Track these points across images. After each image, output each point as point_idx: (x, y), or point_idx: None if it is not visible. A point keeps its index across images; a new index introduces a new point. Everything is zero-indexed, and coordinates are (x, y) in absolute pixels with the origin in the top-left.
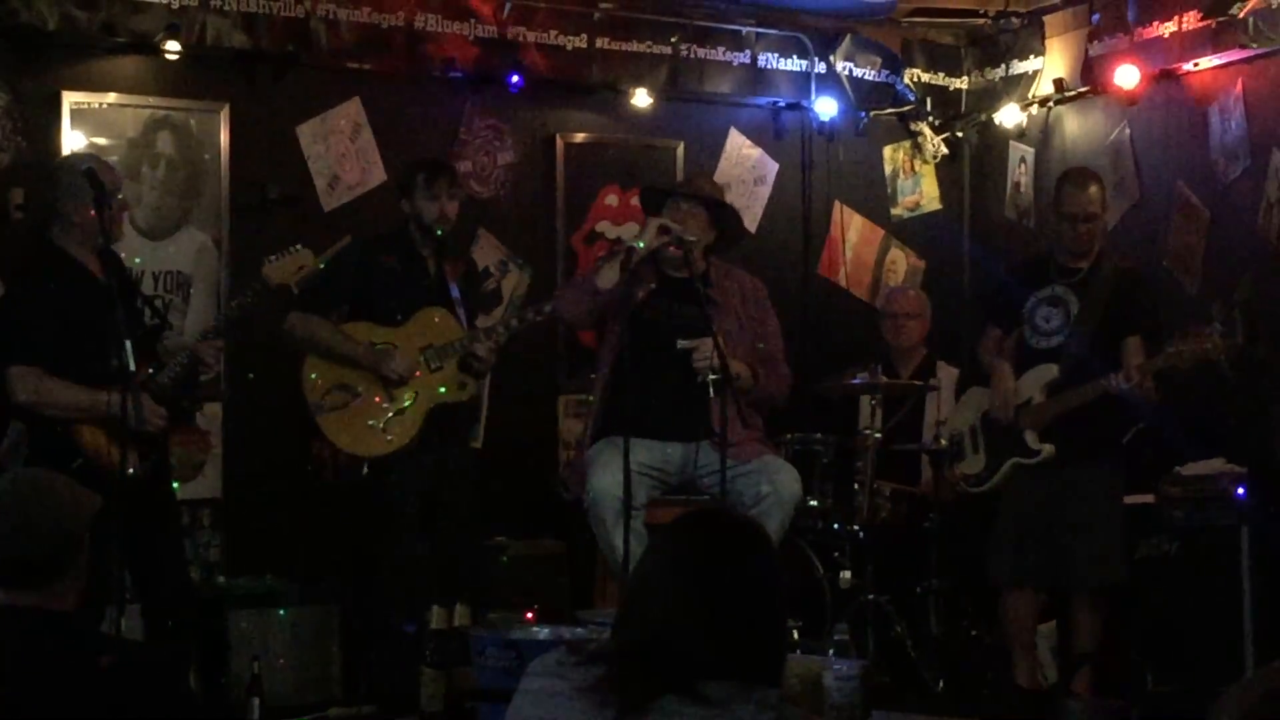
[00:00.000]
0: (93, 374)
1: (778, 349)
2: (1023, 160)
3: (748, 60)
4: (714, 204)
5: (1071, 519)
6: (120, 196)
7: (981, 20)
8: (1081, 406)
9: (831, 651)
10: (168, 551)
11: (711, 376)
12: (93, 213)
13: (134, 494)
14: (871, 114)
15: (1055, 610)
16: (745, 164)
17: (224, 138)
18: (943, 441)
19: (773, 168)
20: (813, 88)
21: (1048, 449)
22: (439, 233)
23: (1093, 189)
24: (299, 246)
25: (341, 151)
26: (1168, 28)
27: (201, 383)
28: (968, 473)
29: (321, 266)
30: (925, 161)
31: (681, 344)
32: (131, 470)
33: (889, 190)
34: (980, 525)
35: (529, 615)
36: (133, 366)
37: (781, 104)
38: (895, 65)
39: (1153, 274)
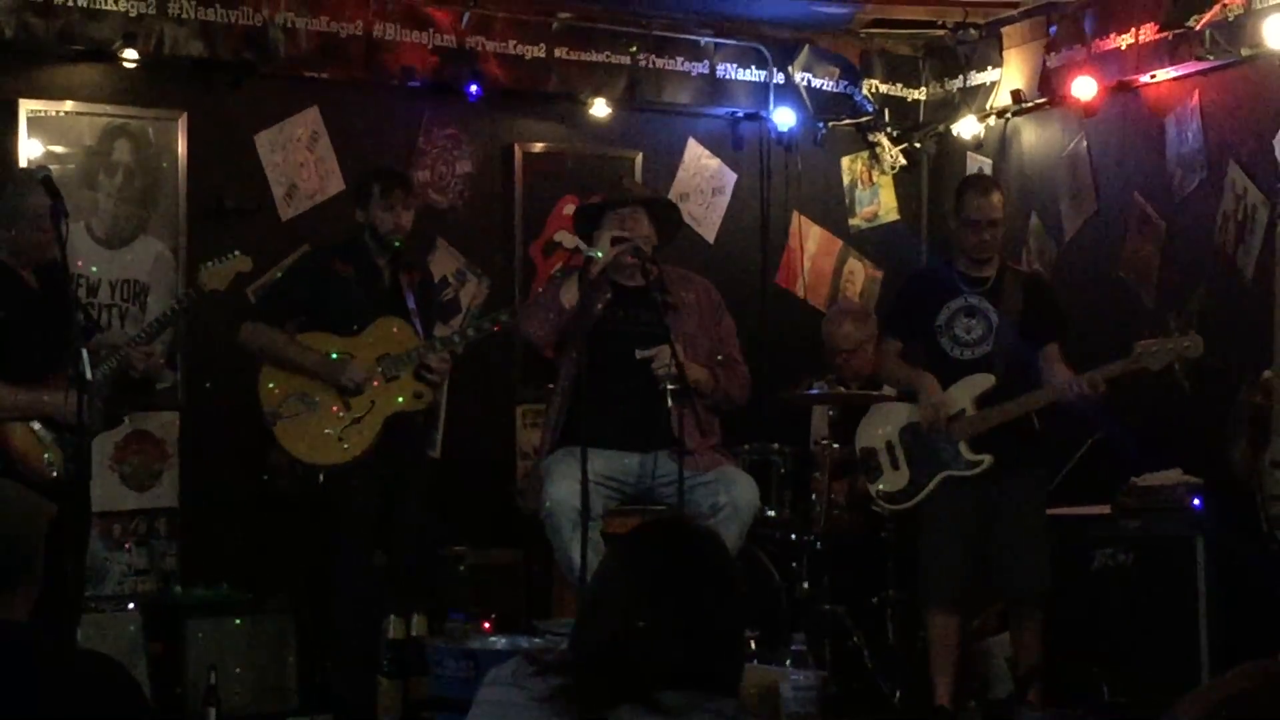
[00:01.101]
0: (25, 379)
1: (735, 349)
2: (980, 171)
3: (706, 70)
4: (650, 202)
5: (1005, 529)
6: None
7: (940, 31)
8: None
9: (789, 661)
10: (76, 556)
11: (669, 386)
12: (36, 220)
13: (57, 497)
14: (830, 125)
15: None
16: (704, 174)
17: (181, 146)
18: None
19: (731, 178)
20: (771, 98)
21: (987, 459)
22: (396, 244)
23: (995, 195)
24: (237, 252)
25: (299, 160)
26: (1125, 40)
27: (156, 391)
28: (887, 490)
29: (279, 276)
30: (883, 172)
31: (640, 354)
32: (56, 474)
33: (847, 201)
34: None
35: (486, 625)
36: (90, 375)
37: (740, 114)
38: (853, 76)
39: (1111, 285)
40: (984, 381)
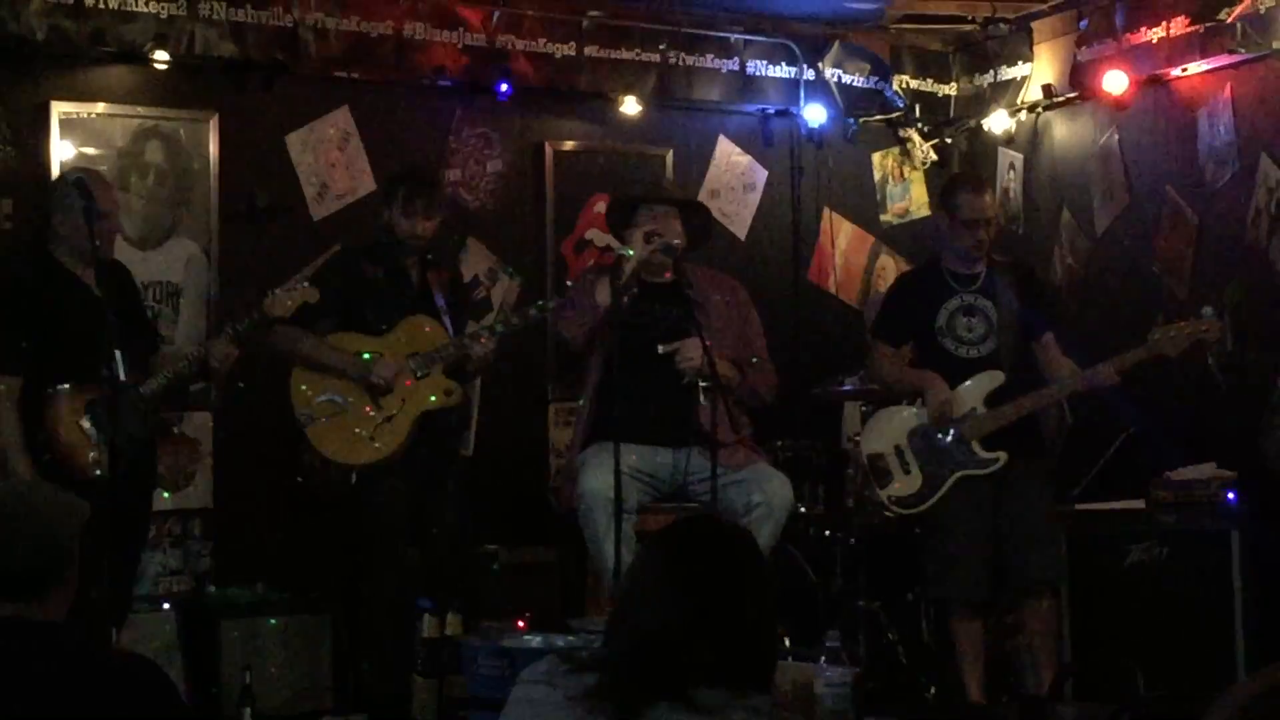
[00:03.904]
0: (73, 378)
1: (762, 346)
2: (1012, 166)
3: (736, 67)
4: (683, 204)
5: (1016, 521)
6: (109, 215)
7: (970, 26)
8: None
9: (823, 658)
10: (120, 562)
11: (701, 383)
12: (81, 223)
13: (100, 497)
14: (860, 120)
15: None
16: (734, 171)
17: (213, 147)
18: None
19: (762, 175)
20: (802, 94)
21: (1002, 456)
22: (429, 257)
23: (988, 194)
24: (305, 284)
25: (330, 160)
26: (1156, 33)
27: (191, 392)
28: (899, 495)
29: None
30: (914, 168)
31: (662, 348)
32: (99, 472)
33: (878, 197)
34: None
35: (520, 623)
36: (123, 375)
37: (770, 111)
38: (884, 71)
39: (1143, 277)
40: (993, 379)
